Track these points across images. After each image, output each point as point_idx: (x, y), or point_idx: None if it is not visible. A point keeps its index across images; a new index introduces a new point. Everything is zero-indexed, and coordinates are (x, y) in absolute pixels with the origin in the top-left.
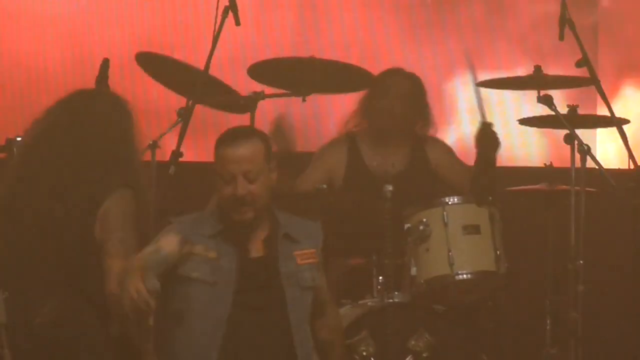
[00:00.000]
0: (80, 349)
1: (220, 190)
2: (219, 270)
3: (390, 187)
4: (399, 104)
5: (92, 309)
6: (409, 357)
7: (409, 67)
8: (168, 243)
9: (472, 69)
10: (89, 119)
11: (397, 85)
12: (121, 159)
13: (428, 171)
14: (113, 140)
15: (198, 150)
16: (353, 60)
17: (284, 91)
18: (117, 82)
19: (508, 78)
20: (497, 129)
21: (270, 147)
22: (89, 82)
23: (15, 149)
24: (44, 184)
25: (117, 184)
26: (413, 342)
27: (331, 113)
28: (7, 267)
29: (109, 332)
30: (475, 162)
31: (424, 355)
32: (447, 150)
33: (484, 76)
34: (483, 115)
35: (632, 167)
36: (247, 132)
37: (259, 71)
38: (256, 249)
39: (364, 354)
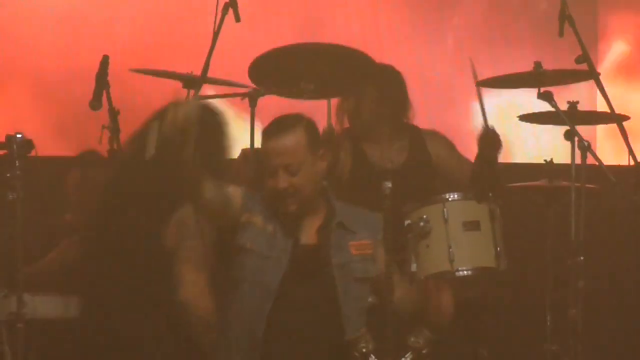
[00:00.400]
0: (150, 352)
1: (265, 182)
2: (274, 246)
3: (389, 184)
4: (369, 103)
5: (162, 315)
6: (409, 353)
7: (410, 63)
8: (234, 193)
9: (474, 73)
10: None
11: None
12: (211, 170)
13: (428, 165)
14: (203, 151)
15: None
16: None
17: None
18: (117, 80)
19: (508, 75)
20: (497, 125)
21: (315, 136)
22: (88, 79)
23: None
24: (133, 197)
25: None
26: (413, 339)
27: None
28: (90, 272)
29: (178, 336)
30: (476, 159)
31: (424, 351)
32: (448, 144)
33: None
34: (485, 118)
35: (632, 163)
36: (289, 123)
37: (259, 70)
38: (309, 237)
39: (364, 350)
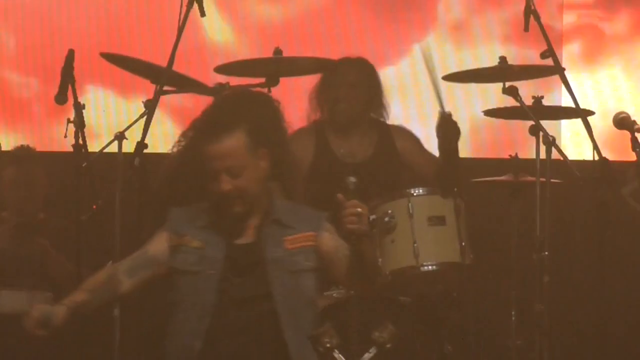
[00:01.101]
0: None
1: (208, 185)
2: (204, 260)
3: (353, 179)
4: (345, 93)
5: None
6: (373, 348)
7: (377, 58)
8: (155, 242)
9: (429, 62)
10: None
11: (344, 74)
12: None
13: (395, 159)
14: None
15: (163, 141)
16: (322, 52)
17: (248, 83)
18: (84, 73)
19: (473, 70)
20: (463, 120)
21: (257, 135)
22: (52, 71)
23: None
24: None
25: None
26: (377, 334)
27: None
28: None
29: None
30: (439, 154)
31: (388, 346)
32: (414, 139)
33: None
34: (442, 105)
35: (596, 158)
36: (227, 125)
37: (225, 69)
38: (246, 236)
39: (328, 345)
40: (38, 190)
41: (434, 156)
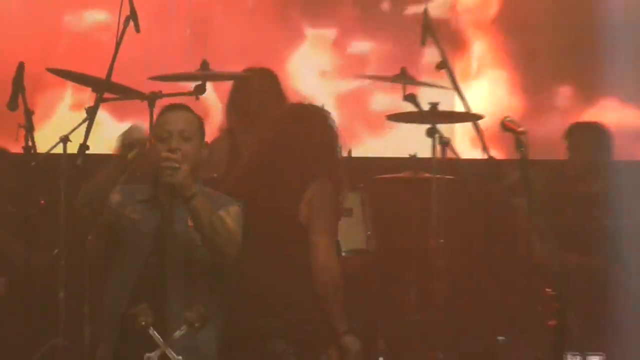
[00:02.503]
0: (286, 305)
1: (156, 153)
2: (138, 233)
3: None
4: (248, 100)
5: (298, 275)
6: (184, 326)
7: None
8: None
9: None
10: (304, 131)
11: (250, 81)
12: (327, 161)
13: None
14: (321, 147)
15: (103, 143)
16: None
17: (178, 92)
18: (32, 84)
19: (375, 76)
20: (367, 124)
21: (204, 129)
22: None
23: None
24: (267, 180)
25: (319, 175)
26: (187, 313)
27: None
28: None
29: (311, 293)
30: None
31: (197, 325)
32: None
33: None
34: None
35: (486, 157)
36: (187, 107)
37: (160, 78)
38: (170, 215)
39: (143, 324)
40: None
41: None
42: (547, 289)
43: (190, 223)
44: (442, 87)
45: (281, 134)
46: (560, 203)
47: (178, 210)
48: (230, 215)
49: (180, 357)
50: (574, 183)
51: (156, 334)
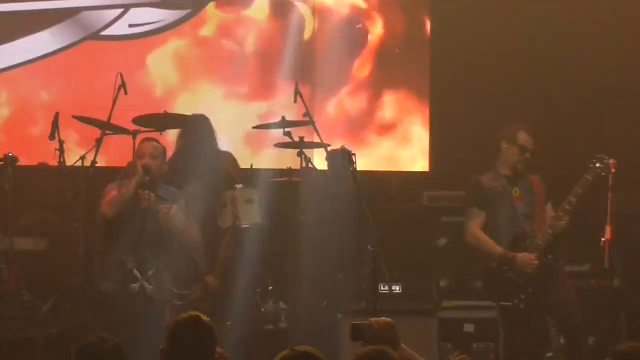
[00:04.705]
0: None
1: (137, 166)
2: (130, 219)
3: None
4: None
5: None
6: (155, 269)
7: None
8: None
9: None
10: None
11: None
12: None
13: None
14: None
15: (104, 160)
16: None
17: (149, 129)
18: (63, 124)
19: (265, 124)
20: (263, 153)
21: (166, 152)
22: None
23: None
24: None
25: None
26: (157, 262)
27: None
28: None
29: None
30: None
31: (162, 268)
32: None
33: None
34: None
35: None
36: (155, 139)
37: (138, 120)
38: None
39: (129, 267)
40: None
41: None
42: (369, 247)
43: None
44: (306, 124)
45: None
46: None
47: (152, 203)
48: (181, 208)
49: (152, 287)
50: None
51: (137, 272)
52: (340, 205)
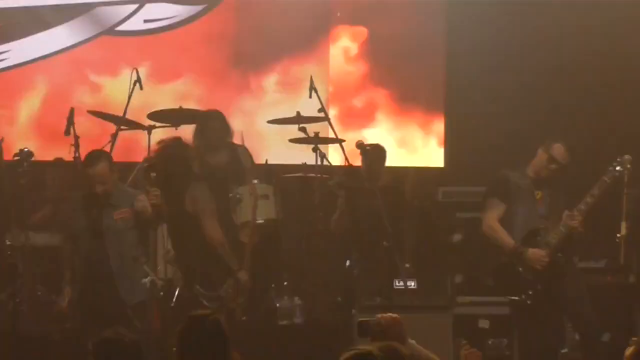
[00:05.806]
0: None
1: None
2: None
3: None
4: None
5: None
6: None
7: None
8: None
9: None
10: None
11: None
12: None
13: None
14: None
15: (118, 155)
16: None
17: (164, 124)
18: (78, 120)
19: (280, 119)
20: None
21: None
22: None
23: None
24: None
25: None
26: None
27: None
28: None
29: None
30: None
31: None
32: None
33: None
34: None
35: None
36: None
37: (153, 116)
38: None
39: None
40: None
41: None
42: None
43: (115, 217)
44: (321, 121)
45: None
46: None
47: (107, 210)
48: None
49: (161, 281)
50: None
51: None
52: (376, 201)
